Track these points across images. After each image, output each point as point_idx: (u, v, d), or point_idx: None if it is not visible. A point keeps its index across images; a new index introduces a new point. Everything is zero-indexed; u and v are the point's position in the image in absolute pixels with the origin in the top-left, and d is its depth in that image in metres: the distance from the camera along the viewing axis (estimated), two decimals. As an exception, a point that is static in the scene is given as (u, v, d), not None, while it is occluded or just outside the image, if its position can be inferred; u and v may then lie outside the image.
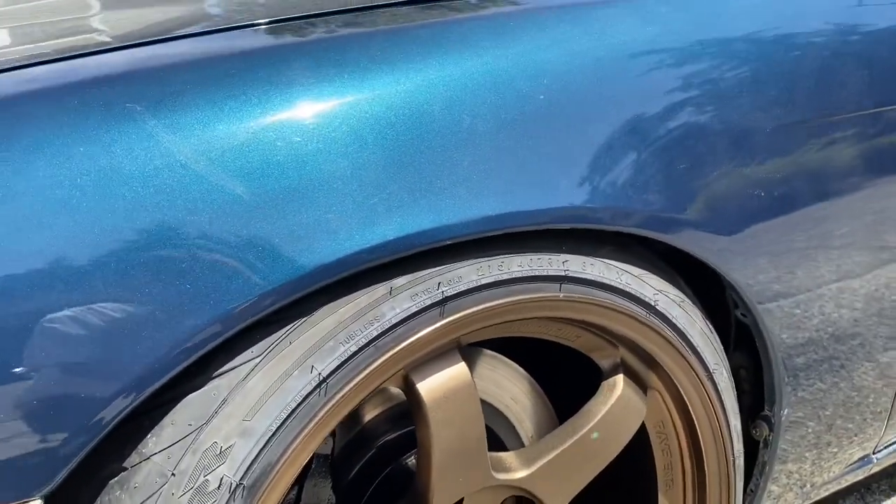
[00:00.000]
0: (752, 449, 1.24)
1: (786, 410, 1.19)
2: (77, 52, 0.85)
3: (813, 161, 1.06)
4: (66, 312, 0.68)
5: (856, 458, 1.41)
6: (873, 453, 1.45)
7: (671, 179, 0.93)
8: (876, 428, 1.39)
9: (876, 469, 1.49)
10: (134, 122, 0.71)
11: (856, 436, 1.36)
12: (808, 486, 1.36)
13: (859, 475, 1.45)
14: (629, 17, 0.94)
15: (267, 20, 0.91)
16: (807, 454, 1.29)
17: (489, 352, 1.07)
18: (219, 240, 0.71)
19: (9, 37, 1.15)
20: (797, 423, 1.23)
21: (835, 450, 1.34)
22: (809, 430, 1.27)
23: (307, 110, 0.76)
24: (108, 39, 0.97)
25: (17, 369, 0.68)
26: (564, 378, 1.14)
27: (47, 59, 0.85)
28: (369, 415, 1.00)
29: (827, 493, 1.42)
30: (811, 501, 1.42)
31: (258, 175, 0.73)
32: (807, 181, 1.06)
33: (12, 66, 0.82)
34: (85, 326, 0.69)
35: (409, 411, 0.89)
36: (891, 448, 1.45)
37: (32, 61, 0.83)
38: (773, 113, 1.00)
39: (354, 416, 1.00)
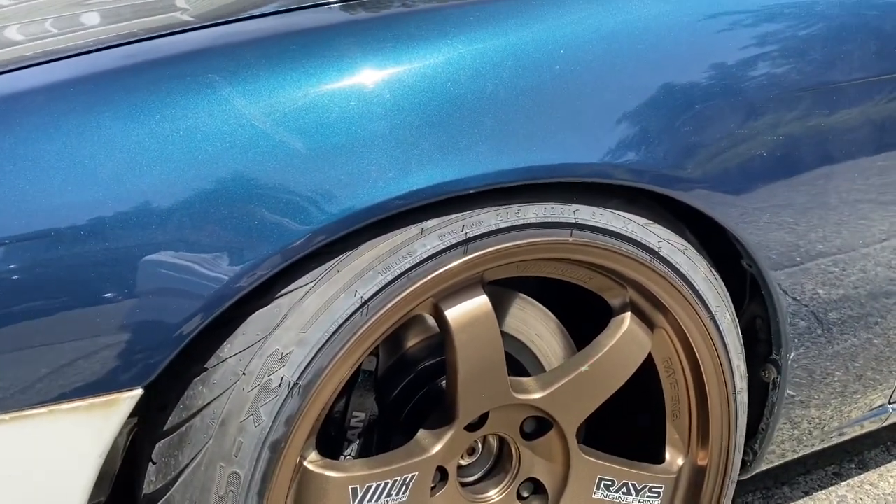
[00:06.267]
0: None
1: (792, 354, 1.30)
2: (165, 32, 1.02)
3: (818, 126, 1.16)
4: (160, 246, 0.85)
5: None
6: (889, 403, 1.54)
7: (679, 140, 1.05)
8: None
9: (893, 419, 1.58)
10: (213, 90, 0.88)
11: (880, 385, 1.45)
12: (828, 428, 1.46)
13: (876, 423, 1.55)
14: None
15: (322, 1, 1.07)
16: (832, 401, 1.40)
17: (520, 294, 1.22)
18: (281, 186, 0.88)
19: (104, 16, 1.34)
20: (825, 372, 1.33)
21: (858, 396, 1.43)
22: (836, 380, 1.37)
23: (354, 79, 0.91)
24: (190, 19, 1.14)
25: (125, 292, 0.85)
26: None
27: (140, 38, 1.02)
28: (410, 342, 1.16)
29: (845, 438, 1.52)
30: (831, 444, 1.52)
31: (313, 133, 0.89)
32: (809, 144, 1.16)
33: (112, 44, 1.00)
34: (174, 256, 0.86)
35: (444, 342, 1.04)
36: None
37: (128, 40, 1.01)
38: (780, 75, 1.11)
39: (398, 343, 1.16)
